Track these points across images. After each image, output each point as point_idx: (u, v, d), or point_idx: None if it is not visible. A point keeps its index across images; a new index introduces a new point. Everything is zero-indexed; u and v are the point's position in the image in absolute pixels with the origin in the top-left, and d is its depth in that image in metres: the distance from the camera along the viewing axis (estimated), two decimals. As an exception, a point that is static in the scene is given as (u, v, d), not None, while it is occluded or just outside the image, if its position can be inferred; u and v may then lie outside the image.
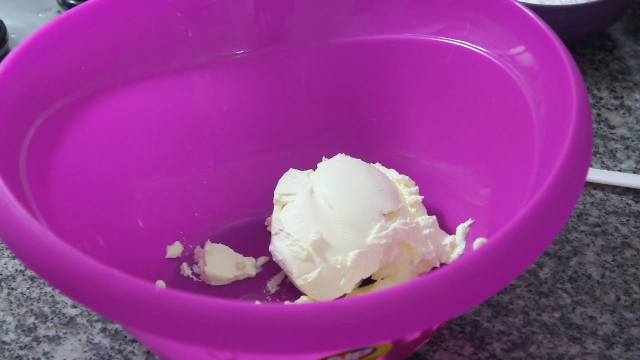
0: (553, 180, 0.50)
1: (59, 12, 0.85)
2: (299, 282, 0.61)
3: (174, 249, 0.66)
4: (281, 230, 0.62)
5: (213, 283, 0.64)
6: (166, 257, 0.65)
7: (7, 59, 0.58)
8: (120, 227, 0.63)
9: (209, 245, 0.65)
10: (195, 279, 0.65)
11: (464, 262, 0.47)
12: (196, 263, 0.65)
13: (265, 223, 0.68)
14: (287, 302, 0.62)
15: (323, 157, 0.67)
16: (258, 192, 0.68)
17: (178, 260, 0.66)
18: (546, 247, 0.50)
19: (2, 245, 0.68)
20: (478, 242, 0.61)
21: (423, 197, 0.64)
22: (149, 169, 0.66)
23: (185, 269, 0.65)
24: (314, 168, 0.66)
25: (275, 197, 0.64)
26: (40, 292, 0.65)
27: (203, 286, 0.64)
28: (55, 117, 0.61)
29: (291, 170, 0.66)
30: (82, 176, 0.62)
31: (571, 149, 0.51)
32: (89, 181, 0.62)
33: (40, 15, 0.85)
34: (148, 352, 0.62)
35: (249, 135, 0.69)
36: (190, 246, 0.66)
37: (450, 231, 0.65)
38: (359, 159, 0.66)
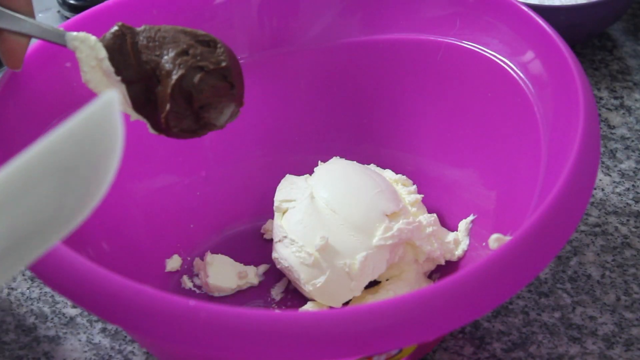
0: (567, 177, 0.50)
1: (58, 12, 0.85)
2: (307, 288, 0.61)
3: (173, 262, 0.65)
4: (285, 237, 0.61)
5: (216, 294, 0.64)
6: (165, 270, 0.65)
7: (7, 74, 0.58)
8: (118, 247, 0.63)
9: (209, 256, 0.65)
10: (197, 291, 0.64)
11: (493, 259, 0.48)
12: (196, 275, 0.65)
13: (262, 230, 0.68)
14: (301, 309, 0.62)
15: (319, 162, 0.67)
16: (253, 200, 0.68)
17: (178, 273, 0.65)
18: (564, 243, 0.50)
19: (2, 245, 0.68)
20: (494, 238, 0.61)
21: (422, 195, 0.64)
22: (143, 183, 0.65)
23: (187, 282, 0.65)
24: (310, 172, 0.66)
25: (276, 204, 0.64)
26: (40, 292, 0.65)
27: (206, 298, 0.64)
28: None
29: (288, 176, 0.66)
30: None
31: (580, 149, 0.52)
32: None
33: (40, 15, 0.85)
34: (148, 352, 0.62)
35: (242, 143, 0.69)
36: (189, 258, 0.66)
37: (451, 229, 0.65)
38: (355, 162, 0.66)
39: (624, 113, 0.77)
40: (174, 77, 0.54)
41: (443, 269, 0.63)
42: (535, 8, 0.74)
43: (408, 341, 0.48)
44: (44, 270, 0.49)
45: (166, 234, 0.66)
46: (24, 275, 0.66)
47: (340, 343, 0.46)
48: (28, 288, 0.65)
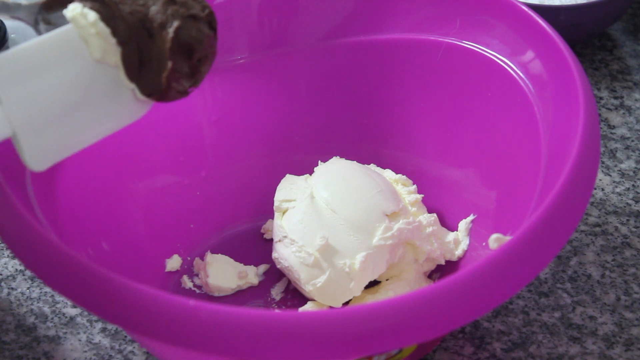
0: (567, 177, 0.50)
1: (59, 12, 0.85)
2: (307, 288, 0.61)
3: (173, 262, 0.65)
4: (285, 237, 0.61)
5: (216, 294, 0.64)
6: (165, 270, 0.65)
7: None
8: (119, 248, 0.62)
9: (209, 256, 0.65)
10: (197, 291, 0.64)
11: (493, 259, 0.48)
12: (197, 275, 0.65)
13: (262, 230, 0.68)
14: (301, 309, 0.62)
15: (319, 162, 0.67)
16: (253, 200, 0.68)
17: (178, 273, 0.65)
18: (564, 243, 0.51)
19: (2, 245, 0.68)
20: (494, 238, 0.61)
21: (422, 195, 0.64)
22: (143, 183, 0.65)
23: (187, 282, 0.65)
24: (310, 172, 0.66)
25: (276, 204, 0.64)
26: (40, 292, 0.65)
27: (207, 298, 0.64)
28: None
29: (288, 176, 0.66)
30: (79, 195, 0.61)
31: (580, 149, 0.52)
32: (86, 198, 0.61)
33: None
34: (147, 352, 0.62)
35: (242, 143, 0.69)
36: (189, 258, 0.66)
37: (451, 229, 0.65)
38: (355, 161, 0.66)
39: (624, 113, 0.77)
40: (170, 30, 0.48)
41: (443, 269, 0.63)
42: (535, 8, 0.74)
43: (408, 341, 0.48)
44: (44, 270, 0.49)
45: (166, 234, 0.66)
46: (24, 275, 0.66)
47: (340, 343, 0.46)
48: (28, 288, 0.65)
